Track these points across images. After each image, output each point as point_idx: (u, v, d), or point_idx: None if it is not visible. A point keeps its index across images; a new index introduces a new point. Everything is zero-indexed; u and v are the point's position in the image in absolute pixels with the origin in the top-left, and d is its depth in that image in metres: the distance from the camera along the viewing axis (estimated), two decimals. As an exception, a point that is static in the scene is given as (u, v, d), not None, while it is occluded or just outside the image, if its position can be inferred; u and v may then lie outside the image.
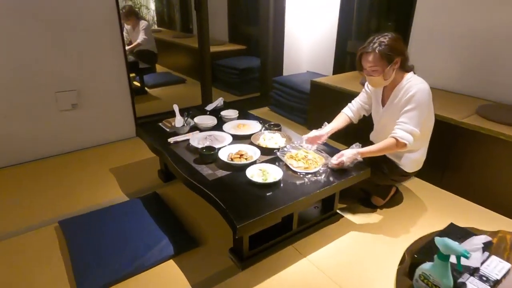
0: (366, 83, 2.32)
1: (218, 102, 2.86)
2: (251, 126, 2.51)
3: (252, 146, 2.16)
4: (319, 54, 4.41)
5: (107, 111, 3.28)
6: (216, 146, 2.15)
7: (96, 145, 3.32)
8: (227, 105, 2.95)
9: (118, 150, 3.24)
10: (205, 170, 1.98)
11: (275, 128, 2.43)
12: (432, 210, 2.40)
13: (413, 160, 2.19)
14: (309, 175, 1.92)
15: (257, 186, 1.81)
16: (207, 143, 2.21)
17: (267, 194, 1.76)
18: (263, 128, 2.48)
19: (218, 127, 2.53)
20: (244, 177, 1.86)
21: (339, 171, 1.97)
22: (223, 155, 2.07)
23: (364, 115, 2.39)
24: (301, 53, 4.64)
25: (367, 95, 2.33)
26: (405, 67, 2.03)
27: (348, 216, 2.31)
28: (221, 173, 1.95)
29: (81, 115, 3.14)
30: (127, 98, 3.36)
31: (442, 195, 2.59)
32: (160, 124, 2.65)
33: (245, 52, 5.71)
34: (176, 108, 2.58)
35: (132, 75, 4.95)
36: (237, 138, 2.35)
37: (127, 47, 4.81)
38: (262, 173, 1.88)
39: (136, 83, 4.98)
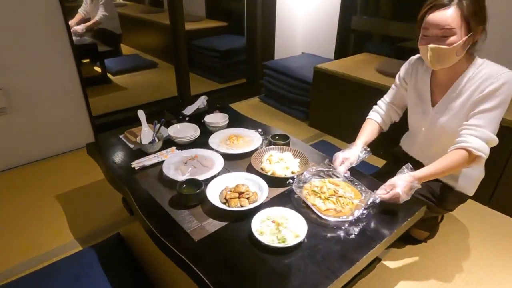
0: (397, 76, 1.66)
1: (200, 102, 2.14)
2: (248, 139, 1.82)
3: (253, 176, 1.49)
4: (317, 33, 3.70)
5: (50, 114, 2.49)
6: (202, 177, 1.47)
7: (35, 160, 2.54)
8: (211, 100, 2.23)
9: (67, 166, 2.47)
10: (188, 221, 1.30)
11: (282, 142, 1.76)
12: (489, 238, 1.85)
13: (475, 179, 1.60)
14: (345, 225, 1.28)
15: (271, 252, 1.16)
16: (188, 173, 1.52)
17: (287, 267, 1.11)
18: (265, 141, 1.81)
19: (203, 140, 1.83)
20: (247, 233, 1.21)
21: (386, 212, 1.34)
22: (214, 194, 1.40)
23: (395, 122, 1.75)
24: (296, 31, 3.90)
25: (399, 92, 1.67)
26: (474, 49, 1.39)
27: (387, 260, 1.72)
28: (211, 224, 1.29)
29: (13, 122, 2.35)
30: (78, 94, 2.57)
31: (493, 218, 2.04)
32: (121, 137, 1.92)
33: (227, 30, 4.89)
34: (141, 116, 1.85)
35: (86, 61, 4.00)
36: (230, 158, 1.67)
37: (82, 26, 3.92)
38: (276, 227, 1.22)
39: (97, 69, 4.13)
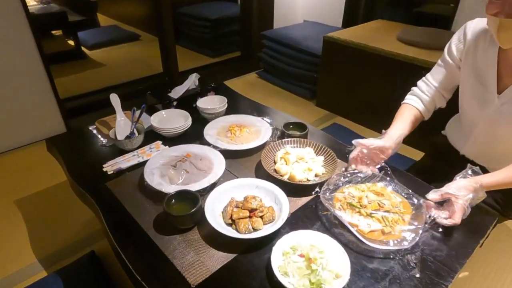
0: (446, 48, 1.26)
1: (191, 82, 1.72)
2: (254, 129, 1.43)
3: (266, 183, 1.11)
4: (322, -3, 3.22)
5: (5, 100, 2.03)
6: (197, 185, 1.09)
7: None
8: (201, 77, 1.80)
9: (29, 163, 2.05)
10: (180, 253, 0.93)
11: (298, 133, 1.37)
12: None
13: None
14: (394, 251, 0.92)
15: (302, 303, 0.80)
16: (178, 181, 1.13)
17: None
18: (277, 132, 1.42)
19: (196, 132, 1.43)
20: (265, 272, 0.85)
21: (444, 229, 0.99)
22: (215, 211, 1.02)
23: (440, 108, 1.36)
24: (296, -4, 3.42)
25: (450, 71, 1.26)
26: None
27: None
28: (213, 258, 0.92)
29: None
30: (40, 74, 2.10)
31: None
32: (91, 128, 1.51)
33: (217, -4, 4.36)
34: (115, 101, 1.43)
35: (57, 33, 3.55)
36: (232, 156, 1.29)
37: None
38: (307, 264, 0.86)
39: (70, 43, 3.61)
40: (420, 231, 0.94)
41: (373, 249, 0.94)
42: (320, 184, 1.11)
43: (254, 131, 1.41)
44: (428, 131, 1.52)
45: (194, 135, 1.44)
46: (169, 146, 1.35)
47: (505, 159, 1.10)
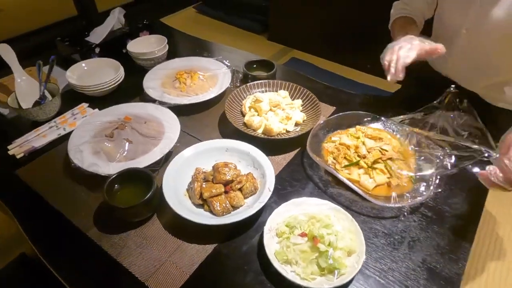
0: None
1: (114, 20, 1.31)
2: (209, 75, 1.12)
3: (239, 143, 0.86)
4: None
5: None
6: (146, 160, 0.81)
7: None
8: (129, 18, 1.40)
9: None
10: (138, 256, 0.68)
11: (265, 73, 1.10)
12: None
13: None
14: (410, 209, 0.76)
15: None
16: (120, 156, 0.83)
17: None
18: (238, 75, 1.14)
19: (132, 86, 1.10)
20: (259, 264, 0.65)
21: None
22: (177, 192, 0.76)
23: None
24: None
25: None
26: None
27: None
28: (187, 256, 0.69)
29: None
30: None
31: None
32: (-19, 96, 1.10)
33: None
34: (8, 55, 1.02)
35: None
36: (186, 113, 1.01)
37: None
38: (312, 246, 0.66)
39: None
40: (434, 178, 0.78)
41: (381, 207, 0.77)
42: (304, 135, 0.89)
43: (209, 76, 1.11)
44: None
45: (130, 90, 1.11)
46: (99, 109, 1.01)
47: (491, 72, 0.99)
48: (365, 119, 0.94)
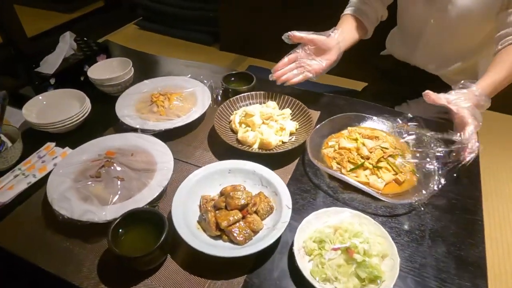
0: None
1: (66, 46, 1.18)
2: (187, 94, 1.06)
3: (240, 162, 0.82)
4: None
5: None
6: (147, 197, 0.73)
7: None
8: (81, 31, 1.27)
9: None
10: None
11: (245, 86, 1.06)
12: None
13: None
14: (422, 202, 0.77)
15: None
16: (115, 198, 0.74)
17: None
18: (219, 91, 1.09)
19: (103, 117, 1.00)
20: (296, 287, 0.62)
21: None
22: (190, 228, 0.69)
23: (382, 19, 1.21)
24: None
25: None
26: None
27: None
28: (217, 294, 0.63)
29: None
30: None
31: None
32: None
33: None
34: None
35: None
36: (172, 137, 0.93)
37: None
38: (347, 258, 0.64)
39: None
40: (437, 169, 0.81)
41: (393, 205, 0.78)
42: (301, 144, 0.87)
43: (187, 96, 1.05)
44: (370, 54, 1.39)
45: (100, 122, 1.01)
46: (71, 148, 0.90)
47: (455, 58, 1.07)
48: (355, 120, 0.96)
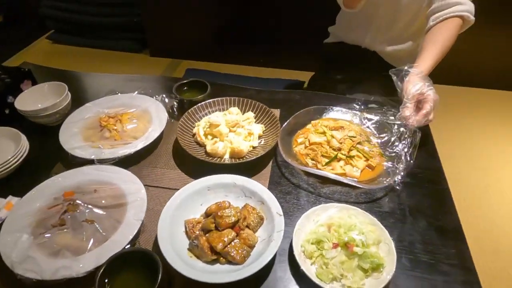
0: None
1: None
2: (139, 112, 0.97)
3: (217, 177, 0.78)
4: None
5: None
6: (126, 235, 0.66)
7: None
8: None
9: None
10: None
11: (200, 94, 1.01)
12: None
13: None
14: (394, 180, 0.82)
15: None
16: (89, 244, 0.65)
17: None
18: (173, 103, 1.02)
19: (46, 153, 0.88)
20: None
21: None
22: (183, 258, 0.64)
23: None
24: None
25: None
26: None
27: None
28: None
29: None
30: None
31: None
32: None
33: None
34: None
35: None
36: (134, 162, 0.86)
37: None
38: (348, 253, 0.65)
39: None
40: (402, 147, 0.86)
41: (372, 191, 0.81)
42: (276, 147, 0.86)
43: (139, 114, 0.97)
44: (313, 42, 1.43)
45: (44, 158, 0.88)
46: (15, 196, 0.77)
47: (403, 37, 1.15)
48: (316, 113, 0.97)
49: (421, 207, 0.78)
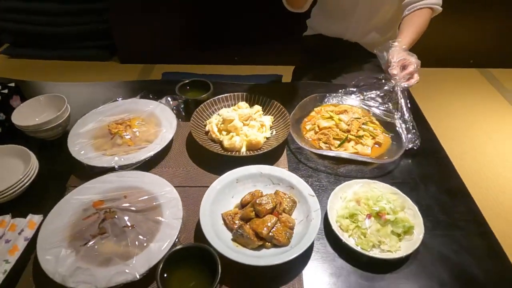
0: None
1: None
2: (145, 115, 0.96)
3: (242, 169, 0.80)
4: None
5: None
6: (170, 233, 0.67)
7: None
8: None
9: None
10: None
11: (204, 93, 1.02)
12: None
13: None
14: (404, 147, 0.90)
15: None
16: (132, 248, 0.65)
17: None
18: (179, 104, 1.02)
19: (53, 168, 0.85)
20: (349, 262, 0.67)
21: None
22: (232, 248, 0.67)
23: None
24: None
25: None
26: None
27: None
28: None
29: None
30: None
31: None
32: None
33: None
34: None
35: None
36: (153, 165, 0.86)
37: None
38: (382, 222, 0.71)
39: None
40: (404, 125, 0.93)
41: (384, 165, 0.88)
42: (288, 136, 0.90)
43: (147, 118, 0.96)
44: (292, 37, 1.47)
45: (55, 173, 0.85)
46: (35, 213, 0.74)
47: (382, 26, 1.23)
48: (318, 100, 1.03)
49: (428, 174, 0.86)
